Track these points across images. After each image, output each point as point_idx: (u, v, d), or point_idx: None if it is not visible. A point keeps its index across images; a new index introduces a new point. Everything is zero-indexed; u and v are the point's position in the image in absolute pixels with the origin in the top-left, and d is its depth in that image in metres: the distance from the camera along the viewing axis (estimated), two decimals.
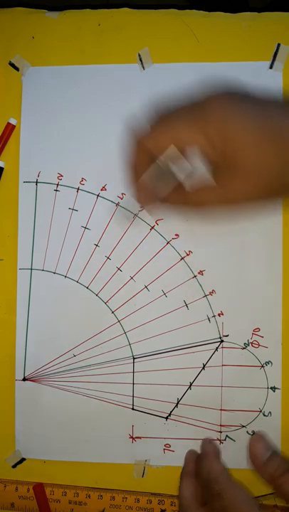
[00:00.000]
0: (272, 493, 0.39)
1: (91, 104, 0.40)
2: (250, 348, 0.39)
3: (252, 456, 0.35)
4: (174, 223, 0.40)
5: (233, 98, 0.32)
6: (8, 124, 0.41)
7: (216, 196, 0.33)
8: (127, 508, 0.40)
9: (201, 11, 0.40)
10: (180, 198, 0.34)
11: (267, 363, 0.39)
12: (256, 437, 0.35)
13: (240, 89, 0.33)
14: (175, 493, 0.40)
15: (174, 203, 0.35)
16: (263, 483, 0.34)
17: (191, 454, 0.37)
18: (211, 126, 0.31)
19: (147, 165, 0.33)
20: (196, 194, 0.33)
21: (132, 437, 0.40)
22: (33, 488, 0.41)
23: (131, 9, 0.40)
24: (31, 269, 0.41)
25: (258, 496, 0.39)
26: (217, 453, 0.35)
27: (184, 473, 0.36)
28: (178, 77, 0.40)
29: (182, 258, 0.40)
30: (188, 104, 0.33)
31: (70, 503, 0.40)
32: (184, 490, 0.35)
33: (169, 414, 0.40)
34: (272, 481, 0.34)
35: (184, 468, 0.37)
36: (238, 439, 0.39)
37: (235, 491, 0.32)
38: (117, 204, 0.40)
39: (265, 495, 0.39)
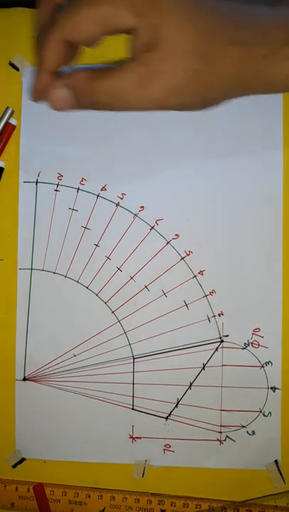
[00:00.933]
0: (272, 494, 0.39)
1: None
2: (250, 348, 0.39)
3: None
4: (174, 223, 0.40)
5: None
6: (8, 124, 0.41)
7: (135, 76, 0.28)
8: (127, 508, 0.40)
9: None
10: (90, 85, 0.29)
11: (267, 363, 0.39)
12: None
13: None
14: (175, 493, 0.40)
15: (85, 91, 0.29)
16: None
17: None
18: None
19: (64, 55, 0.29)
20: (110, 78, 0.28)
21: (132, 437, 0.40)
22: (33, 488, 0.41)
23: None
24: (31, 269, 0.41)
25: (258, 498, 0.39)
26: None
27: None
28: None
29: (182, 258, 0.40)
30: None
31: (70, 503, 0.40)
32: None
33: (169, 414, 0.40)
34: None
35: None
36: (238, 439, 0.39)
37: None
38: (117, 204, 0.40)
39: (265, 496, 0.39)
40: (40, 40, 0.30)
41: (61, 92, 0.30)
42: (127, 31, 0.28)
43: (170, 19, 0.27)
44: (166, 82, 0.28)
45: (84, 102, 0.30)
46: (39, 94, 0.31)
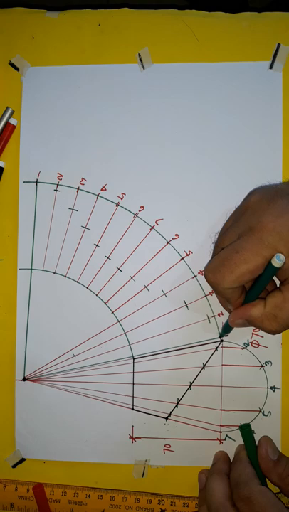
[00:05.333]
0: (278, 493, 0.39)
1: (91, 104, 0.40)
2: (250, 347, 0.39)
3: (260, 457, 0.36)
4: (174, 223, 0.40)
5: (270, 196, 0.32)
6: (8, 124, 0.41)
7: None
8: (127, 508, 0.40)
9: (201, 11, 0.40)
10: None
11: (267, 362, 0.39)
12: (264, 439, 0.37)
13: (270, 187, 0.33)
14: (175, 492, 0.40)
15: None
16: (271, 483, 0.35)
17: (221, 453, 0.39)
18: (271, 236, 0.30)
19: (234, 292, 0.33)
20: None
21: (132, 437, 0.40)
22: (32, 488, 0.41)
23: (131, 9, 0.40)
24: (31, 269, 0.41)
25: None
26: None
27: (213, 470, 0.37)
28: (178, 77, 0.40)
29: (182, 258, 0.40)
30: (233, 220, 0.34)
31: (70, 503, 0.40)
32: (215, 488, 0.35)
33: (169, 415, 0.40)
34: (281, 481, 0.34)
35: (213, 465, 0.38)
36: (238, 439, 0.39)
37: (264, 497, 0.32)
38: (117, 204, 0.40)
39: None
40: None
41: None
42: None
43: None
44: None
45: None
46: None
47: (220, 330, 0.39)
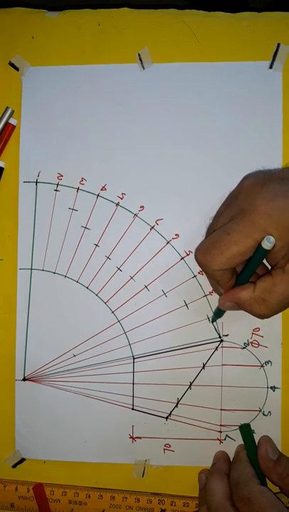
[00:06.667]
0: (278, 493, 0.39)
1: (91, 104, 0.40)
2: (250, 347, 0.39)
3: (260, 457, 0.35)
4: (174, 223, 0.40)
5: (263, 180, 0.32)
6: (8, 124, 0.41)
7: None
8: (127, 508, 0.40)
9: (201, 11, 0.40)
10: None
11: (267, 362, 0.39)
12: (264, 439, 0.37)
13: (264, 171, 0.34)
14: (175, 492, 0.40)
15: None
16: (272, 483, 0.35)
17: (221, 453, 0.39)
18: (262, 218, 0.30)
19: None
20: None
21: (132, 437, 0.40)
22: (32, 488, 0.41)
23: (131, 9, 0.40)
24: (31, 269, 0.41)
25: None
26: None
27: (213, 470, 0.37)
28: (178, 77, 0.40)
29: (182, 258, 0.40)
30: (226, 204, 0.34)
31: (70, 503, 0.40)
32: (215, 488, 0.35)
33: (169, 414, 0.40)
34: (281, 481, 0.34)
35: (213, 465, 0.38)
36: (238, 439, 0.39)
37: (264, 497, 0.32)
38: (117, 204, 0.40)
39: None
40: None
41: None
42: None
43: None
44: None
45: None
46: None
47: (219, 329, 0.39)
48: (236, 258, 0.31)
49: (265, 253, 0.31)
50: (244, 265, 0.33)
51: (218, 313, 0.38)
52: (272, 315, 0.32)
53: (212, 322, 0.39)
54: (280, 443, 0.39)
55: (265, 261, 0.33)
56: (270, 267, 0.34)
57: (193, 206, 0.40)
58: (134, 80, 0.40)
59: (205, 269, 0.33)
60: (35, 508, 0.41)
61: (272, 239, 0.30)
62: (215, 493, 0.34)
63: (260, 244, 0.30)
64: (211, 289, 0.39)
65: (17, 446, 0.41)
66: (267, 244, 0.30)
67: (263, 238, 0.30)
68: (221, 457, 0.38)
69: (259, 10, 0.40)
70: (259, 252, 0.31)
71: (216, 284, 0.35)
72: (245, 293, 0.33)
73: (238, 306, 0.34)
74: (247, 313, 0.39)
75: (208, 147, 0.39)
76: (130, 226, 0.40)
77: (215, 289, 0.38)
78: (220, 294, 0.35)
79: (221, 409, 0.39)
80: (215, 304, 0.39)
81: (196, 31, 0.40)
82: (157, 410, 0.40)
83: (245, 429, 0.38)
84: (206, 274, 0.35)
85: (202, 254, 0.33)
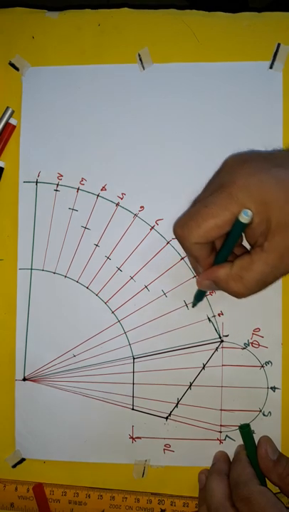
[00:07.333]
0: (278, 493, 0.39)
1: (91, 104, 0.40)
2: (250, 348, 0.39)
3: (260, 457, 0.35)
4: (174, 223, 0.40)
5: (245, 158, 0.32)
6: (8, 124, 0.41)
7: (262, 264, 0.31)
8: (127, 508, 0.40)
9: (201, 11, 0.40)
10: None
11: (267, 363, 0.39)
12: (264, 439, 0.37)
13: (247, 151, 0.34)
14: (175, 493, 0.40)
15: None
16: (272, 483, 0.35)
17: (221, 453, 0.39)
18: (240, 192, 0.30)
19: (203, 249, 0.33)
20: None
21: (132, 437, 0.40)
22: (32, 488, 0.41)
23: (131, 9, 0.40)
24: (31, 269, 0.41)
25: None
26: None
27: (213, 470, 0.37)
28: (178, 77, 0.40)
29: (182, 258, 0.40)
30: (210, 182, 0.34)
31: (70, 503, 0.40)
32: (214, 488, 0.35)
33: (169, 414, 0.40)
34: (281, 481, 0.34)
35: (213, 465, 0.38)
36: (238, 439, 0.39)
37: (264, 497, 0.32)
38: (117, 204, 0.40)
39: None
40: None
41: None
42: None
43: (276, 208, 0.30)
44: None
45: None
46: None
47: (219, 329, 0.39)
48: (214, 231, 0.31)
49: (243, 227, 0.30)
50: (222, 243, 0.33)
51: (198, 297, 0.38)
52: (250, 294, 0.32)
53: (193, 306, 0.39)
54: (280, 443, 0.39)
55: (245, 242, 0.33)
56: (249, 248, 0.34)
57: None
58: (134, 80, 0.40)
59: (182, 242, 0.33)
60: (35, 508, 0.41)
61: (249, 212, 0.30)
62: (215, 494, 0.34)
63: (237, 218, 0.30)
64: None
65: (17, 446, 0.41)
66: (244, 217, 0.30)
67: (240, 212, 0.30)
68: (221, 457, 0.38)
69: (259, 10, 0.40)
70: (236, 226, 0.30)
71: (195, 263, 0.35)
72: (223, 270, 0.32)
73: (216, 284, 0.33)
74: (247, 314, 0.39)
75: (209, 147, 0.39)
76: (130, 226, 0.40)
77: (195, 269, 0.38)
78: (199, 274, 0.35)
79: (221, 410, 0.39)
80: (215, 304, 0.39)
81: (196, 31, 0.40)
82: (157, 410, 0.40)
83: (245, 430, 0.38)
84: (184, 249, 0.34)
85: (180, 227, 0.32)
